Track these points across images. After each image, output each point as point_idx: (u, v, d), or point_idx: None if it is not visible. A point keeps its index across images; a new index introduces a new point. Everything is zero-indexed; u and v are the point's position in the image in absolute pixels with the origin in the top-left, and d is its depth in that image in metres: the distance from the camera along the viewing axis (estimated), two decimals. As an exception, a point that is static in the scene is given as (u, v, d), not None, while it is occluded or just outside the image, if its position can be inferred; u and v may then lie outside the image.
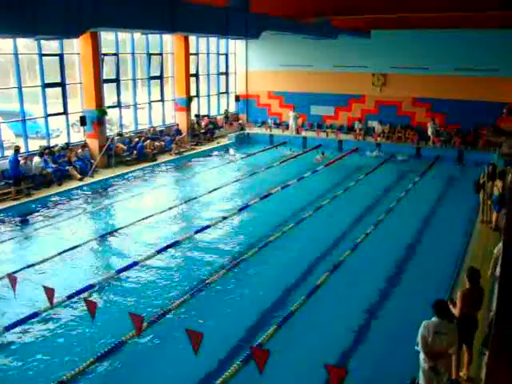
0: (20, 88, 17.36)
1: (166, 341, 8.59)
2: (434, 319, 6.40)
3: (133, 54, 22.34)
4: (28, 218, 14.75)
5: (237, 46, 29.64)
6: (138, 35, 22.04)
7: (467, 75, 23.99)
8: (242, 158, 23.39)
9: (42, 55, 17.93)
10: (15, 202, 15.53)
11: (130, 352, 8.31)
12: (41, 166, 17.16)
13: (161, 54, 23.99)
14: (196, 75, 26.77)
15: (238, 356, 7.95)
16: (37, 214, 15.13)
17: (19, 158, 16.36)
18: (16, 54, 17.09)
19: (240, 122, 29.50)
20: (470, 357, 7.39)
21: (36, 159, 17.22)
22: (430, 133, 24.49)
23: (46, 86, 18.35)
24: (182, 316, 9.34)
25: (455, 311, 7.24)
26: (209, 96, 28.34)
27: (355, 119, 26.74)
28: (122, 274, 11.08)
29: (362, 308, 9.88)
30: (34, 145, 18.49)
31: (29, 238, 13.41)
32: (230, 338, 8.55)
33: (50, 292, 7.61)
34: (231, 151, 25.03)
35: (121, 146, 20.73)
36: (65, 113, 19.37)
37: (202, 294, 10.18)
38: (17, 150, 16.40)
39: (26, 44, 19.50)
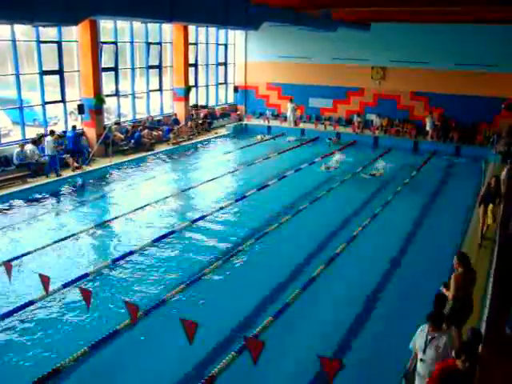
0: (18, 75, 17.27)
1: (161, 330, 8.61)
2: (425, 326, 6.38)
3: (132, 42, 22.22)
4: (23, 206, 14.74)
5: (236, 36, 29.53)
6: (137, 24, 21.93)
7: (466, 70, 23.96)
8: (242, 147, 23.37)
9: (39, 42, 17.82)
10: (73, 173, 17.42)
11: (125, 340, 8.32)
12: (37, 153, 17.09)
13: (160, 44, 23.88)
14: (195, 65, 26.68)
15: (233, 346, 7.98)
16: (34, 202, 15.10)
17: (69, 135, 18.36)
18: (14, 41, 16.97)
19: (238, 112, 29.43)
20: (458, 339, 7.51)
21: (29, 146, 17.08)
22: (428, 127, 24.47)
23: (43, 73, 18.25)
24: (178, 305, 9.35)
25: (449, 294, 7.48)
26: (207, 86, 28.26)
27: (354, 112, 26.70)
28: (117, 263, 11.08)
29: (358, 300, 9.91)
30: (32, 132, 18.41)
31: (22, 227, 13.40)
32: (225, 328, 8.57)
33: (45, 280, 7.63)
34: (259, 137, 25.33)
35: (118, 134, 20.68)
36: (62, 101, 19.28)
37: (198, 284, 10.19)
38: (74, 127, 18.63)
39: (23, 31, 19.33)
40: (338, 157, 20.98)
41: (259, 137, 24.49)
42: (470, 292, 7.55)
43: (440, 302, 7.70)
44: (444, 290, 7.67)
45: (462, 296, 7.40)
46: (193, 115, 24.57)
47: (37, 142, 17.43)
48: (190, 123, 23.69)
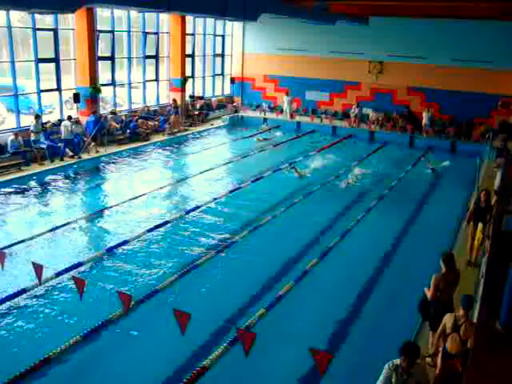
0: (13, 62, 17.14)
1: (154, 320, 8.62)
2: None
3: (129, 32, 22.09)
4: (20, 193, 14.70)
5: (234, 27, 29.39)
6: (134, 13, 21.80)
7: (464, 66, 23.98)
8: (236, 139, 23.35)
9: (35, 29, 17.68)
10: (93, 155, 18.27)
11: (117, 330, 8.33)
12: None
13: (157, 34, 23.75)
14: (192, 56, 26.57)
15: (225, 338, 8.00)
16: (28, 189, 15.07)
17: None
18: (9, 27, 16.84)
19: (234, 104, 29.36)
20: None
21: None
22: (424, 122, 24.44)
23: (39, 61, 18.12)
24: (170, 295, 9.36)
25: (428, 295, 7.46)
26: (204, 77, 28.15)
27: (350, 106, 26.62)
28: (111, 253, 11.08)
29: (351, 293, 9.95)
30: (26, 120, 18.33)
31: (15, 215, 13.36)
32: (218, 320, 8.58)
33: (39, 269, 7.61)
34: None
35: (114, 124, 20.60)
36: (58, 89, 19.17)
37: (191, 275, 10.19)
38: (94, 112, 19.29)
39: (19, 18, 19.24)
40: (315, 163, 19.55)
41: (260, 137, 23.58)
42: (452, 293, 7.50)
43: (425, 307, 7.71)
44: (426, 290, 7.65)
45: (442, 297, 7.37)
46: (176, 107, 24.21)
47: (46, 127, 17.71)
48: (173, 117, 23.31)
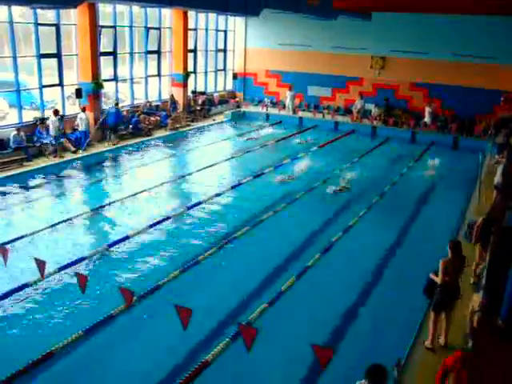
0: (15, 57, 17.13)
1: (155, 315, 8.64)
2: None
3: (131, 27, 22.04)
4: (21, 189, 14.72)
5: (236, 22, 29.32)
6: (136, 8, 21.76)
7: (466, 61, 23.87)
8: (239, 135, 23.32)
9: (37, 24, 17.65)
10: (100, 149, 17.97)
11: (119, 326, 8.37)
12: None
13: (159, 29, 23.70)
14: (194, 51, 26.52)
15: (227, 333, 8.02)
16: (30, 185, 15.10)
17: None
18: (11, 23, 16.82)
19: (237, 99, 29.33)
20: (448, 324, 7.73)
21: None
22: (426, 117, 24.38)
23: (41, 56, 18.10)
24: (172, 291, 9.38)
25: (437, 279, 7.64)
26: (206, 72, 28.11)
27: (353, 101, 26.52)
28: (113, 248, 11.10)
29: (352, 289, 9.96)
30: (29, 116, 18.33)
31: (19, 211, 13.39)
32: (219, 315, 8.62)
33: (41, 265, 7.63)
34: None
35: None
36: (60, 84, 19.15)
37: (193, 270, 10.21)
38: (116, 104, 20.14)
39: (21, 13, 19.20)
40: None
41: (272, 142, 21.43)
42: (457, 278, 7.73)
43: (431, 289, 7.83)
44: (433, 276, 7.80)
45: (450, 282, 7.56)
46: (174, 102, 24.17)
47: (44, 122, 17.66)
48: (176, 112, 23.28)
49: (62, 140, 17.69)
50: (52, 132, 17.32)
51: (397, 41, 25.31)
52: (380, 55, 26.12)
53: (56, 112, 17.57)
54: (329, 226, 13.25)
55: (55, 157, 17.08)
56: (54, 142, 17.31)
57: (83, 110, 18.64)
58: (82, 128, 18.46)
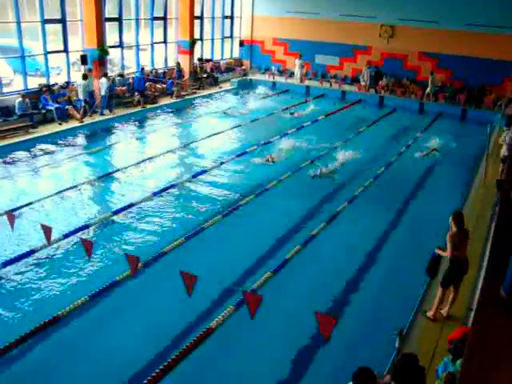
0: (18, 23, 16.92)
1: (161, 281, 8.72)
2: None
3: (136, -8, 21.72)
4: (28, 155, 14.74)
5: (243, -12, 28.84)
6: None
7: (477, 31, 23.39)
8: (245, 103, 23.12)
9: (42, -11, 17.41)
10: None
11: (125, 292, 8.44)
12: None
13: (165, -6, 23.35)
14: (200, 18, 26.15)
15: (231, 300, 8.10)
16: (36, 152, 15.10)
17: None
18: (15, -13, 16.58)
19: (243, 67, 29.02)
20: (454, 297, 7.71)
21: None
22: (428, 89, 24.00)
23: (45, 21, 17.88)
24: (177, 258, 9.44)
25: (446, 254, 7.48)
26: (213, 40, 27.76)
27: (360, 70, 26.15)
28: (119, 214, 11.15)
29: (357, 258, 10.00)
30: (34, 82, 18.21)
31: (27, 177, 13.44)
32: (224, 282, 8.67)
33: (47, 230, 7.68)
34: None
35: (121, 87, 20.45)
36: (65, 51, 18.98)
37: (198, 238, 10.26)
38: (142, 69, 21.40)
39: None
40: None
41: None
42: (464, 251, 7.56)
43: (436, 265, 7.76)
44: (439, 251, 7.67)
45: (458, 255, 7.44)
46: (179, 70, 23.91)
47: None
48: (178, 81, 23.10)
49: (95, 101, 18.32)
50: (81, 95, 18.03)
51: (407, 9, 24.79)
52: (389, 23, 25.65)
53: (85, 76, 18.07)
54: (335, 195, 13.27)
55: (60, 124, 17.04)
56: (82, 105, 18.01)
57: (105, 75, 19.01)
58: (102, 93, 18.90)
